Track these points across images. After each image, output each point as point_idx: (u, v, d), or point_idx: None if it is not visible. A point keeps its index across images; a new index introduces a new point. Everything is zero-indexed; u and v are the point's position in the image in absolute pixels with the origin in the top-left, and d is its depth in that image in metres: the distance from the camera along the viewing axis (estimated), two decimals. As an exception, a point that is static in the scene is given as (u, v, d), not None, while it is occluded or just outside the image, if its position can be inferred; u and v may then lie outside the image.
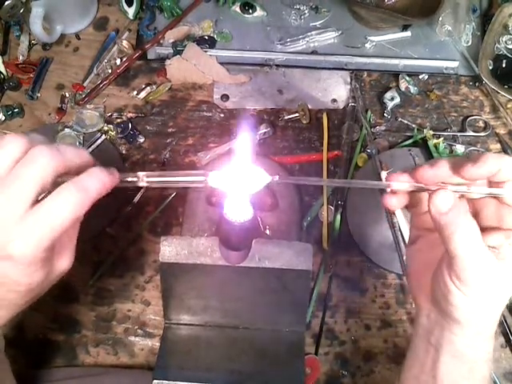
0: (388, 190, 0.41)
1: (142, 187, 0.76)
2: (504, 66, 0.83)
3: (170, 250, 0.57)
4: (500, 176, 0.37)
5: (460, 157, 0.38)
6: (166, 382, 0.60)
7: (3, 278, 0.38)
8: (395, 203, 0.42)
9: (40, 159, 0.36)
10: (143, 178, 0.40)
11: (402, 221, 0.71)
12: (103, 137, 0.79)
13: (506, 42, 0.85)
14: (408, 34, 0.87)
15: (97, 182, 0.38)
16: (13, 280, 0.38)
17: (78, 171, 0.39)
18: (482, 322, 0.40)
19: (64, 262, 0.43)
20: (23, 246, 0.36)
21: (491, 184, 0.39)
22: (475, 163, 0.37)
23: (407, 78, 0.82)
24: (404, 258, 0.70)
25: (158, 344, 0.68)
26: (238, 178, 0.41)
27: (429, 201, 0.38)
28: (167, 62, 0.83)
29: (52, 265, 0.41)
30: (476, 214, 0.41)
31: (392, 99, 0.81)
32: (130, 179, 0.41)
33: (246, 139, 0.42)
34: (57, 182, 0.37)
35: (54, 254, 0.41)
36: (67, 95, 0.83)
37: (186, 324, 0.67)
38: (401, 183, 0.40)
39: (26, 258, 0.37)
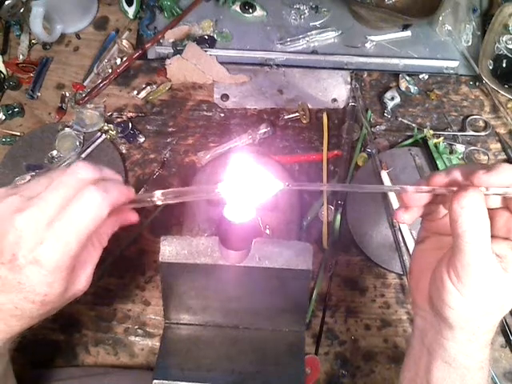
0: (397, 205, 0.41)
1: (142, 187, 0.76)
2: (504, 65, 0.83)
3: (169, 249, 0.57)
4: None
5: (476, 164, 0.38)
6: (166, 381, 0.59)
7: (24, 284, 0.38)
8: (407, 218, 0.43)
9: (78, 170, 0.40)
10: (159, 197, 0.42)
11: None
12: (103, 136, 0.79)
13: (506, 42, 0.85)
14: (408, 33, 0.87)
15: (115, 186, 0.41)
16: (32, 287, 0.38)
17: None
18: (474, 329, 0.40)
19: (82, 283, 0.43)
20: (51, 250, 0.37)
21: (505, 199, 0.39)
22: (488, 171, 0.36)
23: (407, 78, 0.82)
24: (404, 257, 0.70)
25: (157, 344, 0.68)
26: (248, 188, 0.41)
27: (454, 196, 0.37)
28: (167, 61, 0.83)
29: (71, 281, 0.41)
30: None
31: (392, 99, 0.81)
32: (148, 199, 0.43)
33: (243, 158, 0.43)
34: None
35: (75, 270, 0.42)
36: (67, 95, 0.83)
37: (185, 324, 0.67)
38: (414, 187, 0.40)
39: (52, 263, 0.37)
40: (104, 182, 0.40)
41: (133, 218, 0.46)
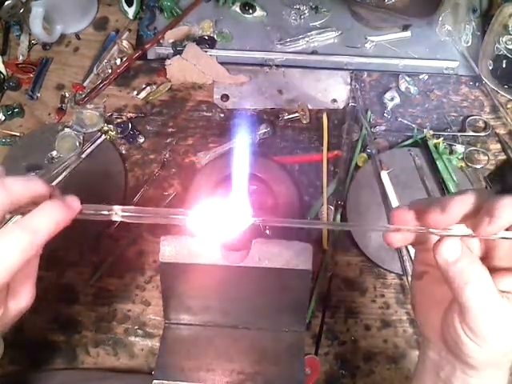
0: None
1: (142, 187, 0.76)
2: (504, 66, 0.83)
3: (169, 249, 0.57)
4: None
5: (472, 194, 0.35)
6: (166, 382, 0.60)
7: None
8: (399, 238, 0.39)
9: None
10: (118, 212, 0.37)
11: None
12: (103, 137, 0.79)
13: (505, 42, 0.85)
14: (408, 34, 0.87)
15: (47, 221, 0.35)
16: None
17: (31, 203, 0.36)
18: (497, 365, 0.38)
19: (22, 301, 0.40)
20: None
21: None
22: (492, 219, 0.33)
23: (407, 78, 0.82)
24: (404, 257, 0.70)
25: (158, 344, 0.68)
26: (217, 221, 0.38)
27: (434, 249, 0.35)
28: (167, 61, 0.83)
29: (6, 305, 0.39)
30: (488, 253, 0.38)
31: (392, 99, 0.81)
32: (104, 212, 0.37)
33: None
34: (5, 219, 0.35)
35: (8, 293, 0.39)
36: (67, 95, 0.83)
37: (185, 324, 0.67)
38: (404, 227, 0.37)
39: None
40: (32, 215, 0.34)
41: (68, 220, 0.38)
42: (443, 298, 0.38)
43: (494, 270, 0.36)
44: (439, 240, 0.35)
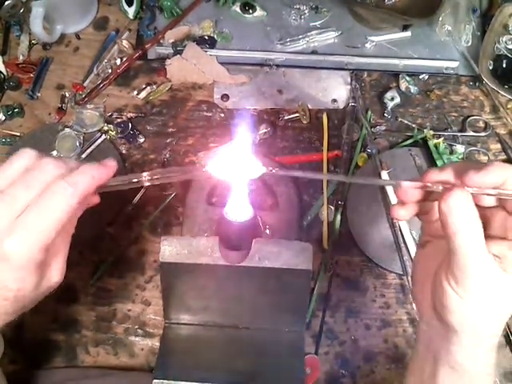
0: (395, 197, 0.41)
1: (141, 187, 0.76)
2: (504, 65, 0.83)
3: (170, 249, 0.57)
4: (506, 187, 0.36)
5: (469, 162, 0.37)
6: (166, 381, 0.59)
7: None
8: (404, 214, 0.41)
9: (46, 167, 0.40)
10: (147, 178, 0.42)
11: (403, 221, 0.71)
12: (103, 137, 0.79)
13: (506, 42, 0.85)
14: (408, 34, 0.87)
15: (85, 175, 0.40)
16: (4, 283, 0.38)
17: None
18: (480, 333, 0.39)
19: (55, 274, 0.43)
20: (19, 244, 0.36)
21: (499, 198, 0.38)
22: (479, 171, 0.36)
23: (407, 78, 0.82)
24: (404, 257, 0.70)
25: (157, 344, 0.68)
26: (235, 166, 0.41)
27: (442, 197, 0.36)
28: (167, 61, 0.83)
29: (43, 274, 0.41)
30: (483, 225, 0.39)
31: (392, 99, 0.81)
32: (134, 180, 0.42)
33: (244, 137, 0.43)
34: None
35: (46, 263, 0.41)
36: (67, 95, 0.83)
37: (186, 324, 0.67)
38: (410, 182, 0.39)
39: (21, 258, 0.37)
40: (73, 174, 0.40)
41: (95, 200, 0.45)
42: (439, 267, 0.40)
43: (487, 237, 0.37)
44: (449, 189, 0.37)
